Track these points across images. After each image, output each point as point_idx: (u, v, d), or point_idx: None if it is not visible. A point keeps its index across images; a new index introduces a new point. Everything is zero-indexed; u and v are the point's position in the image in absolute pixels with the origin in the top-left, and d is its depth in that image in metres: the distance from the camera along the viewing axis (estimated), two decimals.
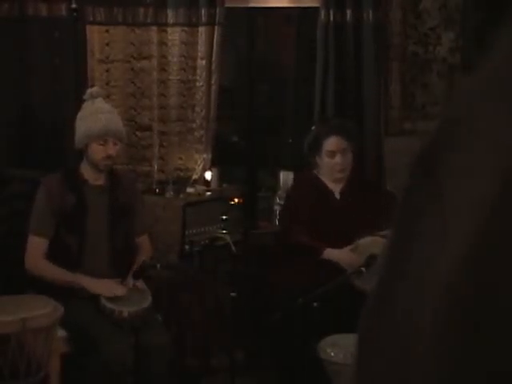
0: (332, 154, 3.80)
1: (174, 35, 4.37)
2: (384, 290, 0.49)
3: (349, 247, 3.66)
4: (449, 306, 0.42)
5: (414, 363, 0.44)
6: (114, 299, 3.30)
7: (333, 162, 3.80)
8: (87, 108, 3.53)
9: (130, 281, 3.43)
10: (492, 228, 0.42)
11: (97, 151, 3.46)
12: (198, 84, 4.42)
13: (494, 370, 0.40)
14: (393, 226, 0.50)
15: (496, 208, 0.42)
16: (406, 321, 0.45)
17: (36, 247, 3.44)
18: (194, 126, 4.47)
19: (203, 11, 4.34)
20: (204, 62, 4.38)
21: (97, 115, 3.47)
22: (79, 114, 3.55)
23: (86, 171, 3.52)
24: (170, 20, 4.36)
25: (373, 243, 3.56)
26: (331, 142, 3.80)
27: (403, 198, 0.49)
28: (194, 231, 3.88)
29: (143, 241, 3.70)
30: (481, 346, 0.41)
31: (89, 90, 3.63)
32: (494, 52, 0.47)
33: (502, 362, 0.40)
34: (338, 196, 3.87)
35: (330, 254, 3.67)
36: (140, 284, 3.45)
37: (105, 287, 3.35)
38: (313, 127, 4.10)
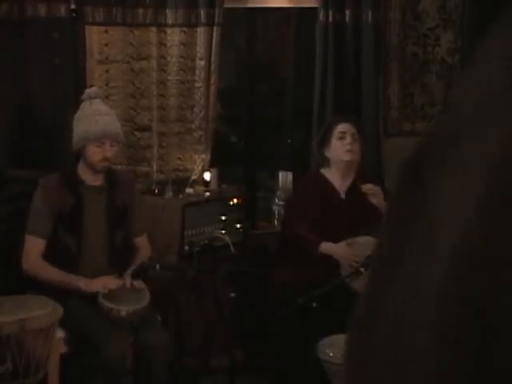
0: (343, 134, 3.87)
1: (173, 36, 4.37)
2: (373, 300, 0.49)
3: (345, 242, 3.69)
4: (437, 318, 0.42)
5: (410, 377, 0.44)
6: (111, 298, 3.30)
7: (343, 143, 3.86)
8: (85, 109, 3.53)
9: (128, 279, 3.43)
10: (477, 235, 0.42)
11: (94, 153, 3.47)
12: (197, 84, 4.43)
13: None
14: (381, 233, 0.50)
15: (481, 214, 0.42)
16: (396, 332, 0.45)
17: (33, 248, 3.44)
18: (193, 126, 4.47)
19: (202, 12, 4.34)
20: (203, 62, 4.39)
21: (95, 117, 3.47)
22: (77, 115, 3.55)
23: (83, 172, 3.53)
24: (169, 20, 4.36)
25: (370, 242, 3.59)
26: (342, 126, 3.90)
27: (392, 205, 0.49)
28: (194, 232, 3.88)
29: (142, 241, 3.70)
30: (469, 360, 0.41)
31: (87, 91, 3.63)
32: (490, 48, 0.47)
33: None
34: (343, 195, 3.89)
35: (327, 247, 3.70)
36: (138, 283, 3.45)
37: (100, 284, 3.35)
38: (326, 122, 4.23)
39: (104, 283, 3.35)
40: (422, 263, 0.44)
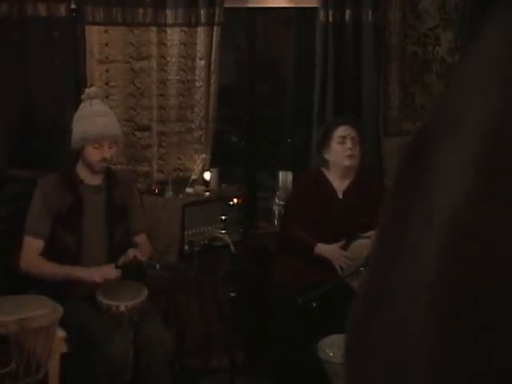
0: (343, 139, 3.85)
1: (174, 35, 4.37)
2: (371, 300, 0.49)
3: (339, 244, 3.69)
4: (437, 319, 0.42)
5: (409, 362, 0.44)
6: (110, 295, 3.32)
7: (343, 148, 3.84)
8: (84, 109, 3.54)
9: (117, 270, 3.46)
10: (468, 214, 0.42)
11: (92, 154, 3.48)
12: (197, 84, 4.42)
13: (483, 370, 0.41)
14: (384, 216, 0.50)
15: (471, 195, 0.42)
16: (396, 332, 0.45)
17: (31, 247, 3.45)
18: (193, 126, 4.47)
19: (202, 11, 4.34)
20: (203, 62, 4.38)
21: (93, 118, 3.49)
22: (76, 114, 3.56)
23: (82, 171, 3.54)
24: (169, 20, 4.35)
25: (364, 245, 3.59)
26: (342, 129, 3.88)
27: (393, 189, 0.50)
28: (194, 231, 3.88)
29: (142, 239, 3.71)
30: (469, 360, 0.41)
31: (87, 90, 3.64)
32: (484, 39, 0.47)
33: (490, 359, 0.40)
34: (340, 195, 3.89)
35: (321, 249, 3.70)
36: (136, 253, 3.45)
37: (99, 274, 3.37)
38: (326, 122, 4.20)
39: (103, 273, 3.37)
40: (421, 243, 0.45)
